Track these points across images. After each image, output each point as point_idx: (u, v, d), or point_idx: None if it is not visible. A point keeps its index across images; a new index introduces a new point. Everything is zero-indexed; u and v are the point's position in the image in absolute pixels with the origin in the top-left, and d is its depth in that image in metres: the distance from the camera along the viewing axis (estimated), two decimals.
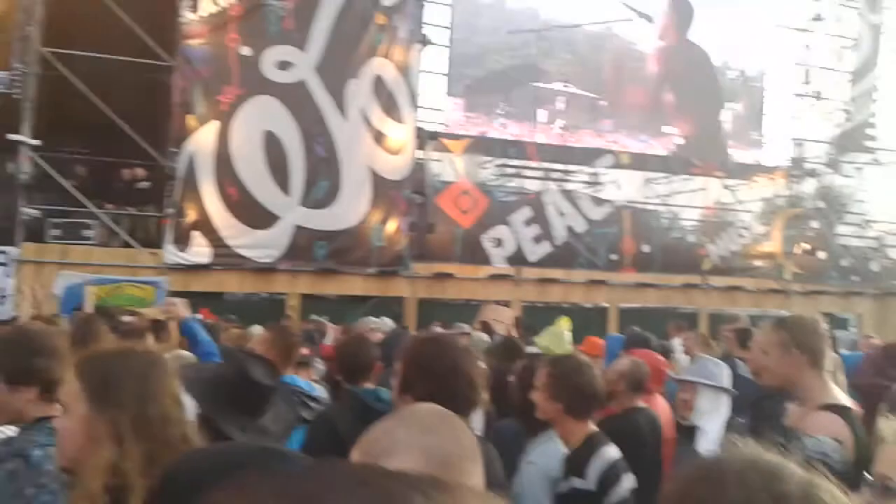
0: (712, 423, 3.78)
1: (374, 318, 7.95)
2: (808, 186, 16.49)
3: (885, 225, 17.05)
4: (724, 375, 4.02)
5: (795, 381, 2.77)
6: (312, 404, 4.09)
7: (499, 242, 13.91)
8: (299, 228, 12.13)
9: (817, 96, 16.45)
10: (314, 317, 9.87)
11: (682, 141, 15.64)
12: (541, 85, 14.55)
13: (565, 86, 14.75)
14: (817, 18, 16.49)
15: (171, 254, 11.48)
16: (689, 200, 16.22)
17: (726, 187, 16.26)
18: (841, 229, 16.55)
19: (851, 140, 16.60)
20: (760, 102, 16.70)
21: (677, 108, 15.68)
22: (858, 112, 16.60)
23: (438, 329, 9.24)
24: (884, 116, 16.80)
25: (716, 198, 16.30)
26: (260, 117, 11.97)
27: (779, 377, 2.82)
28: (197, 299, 10.82)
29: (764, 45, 16.40)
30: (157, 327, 5.50)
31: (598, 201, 15.00)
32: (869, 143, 16.71)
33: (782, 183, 16.48)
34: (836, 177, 16.63)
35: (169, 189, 11.61)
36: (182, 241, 11.57)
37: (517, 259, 13.91)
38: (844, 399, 2.79)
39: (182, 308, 4.40)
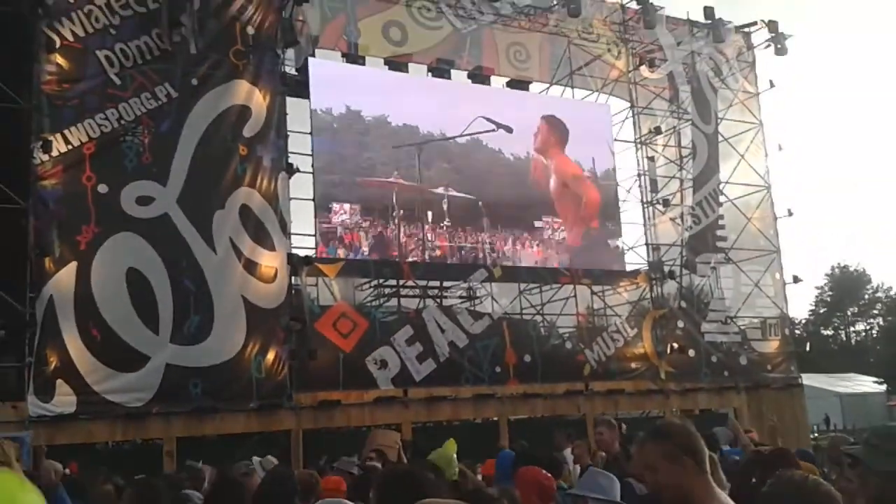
0: None
1: (257, 458, 7.47)
2: (670, 287, 17.29)
3: (747, 320, 18.00)
4: (614, 487, 3.99)
5: (687, 490, 2.65)
6: None
7: (383, 364, 13.69)
8: (171, 367, 11.58)
9: (665, 203, 17.55)
10: (189, 462, 9.25)
11: (553, 233, 16.35)
12: (426, 189, 15.33)
13: (446, 190, 15.39)
14: (657, 132, 17.85)
15: (34, 406, 10.72)
16: (561, 308, 16.70)
17: (595, 293, 16.87)
18: (706, 327, 17.30)
19: (702, 242, 17.68)
20: (617, 211, 17.63)
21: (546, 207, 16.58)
22: (705, 215, 17.79)
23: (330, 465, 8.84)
24: (730, 217, 18.06)
25: (586, 304, 16.85)
26: (121, 254, 11.61)
27: (673, 489, 2.67)
28: (65, 452, 10.07)
29: (609, 158, 17.53)
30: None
31: (477, 315, 15.18)
32: (720, 244, 17.82)
33: (644, 286, 17.24)
34: (693, 277, 17.54)
35: (28, 337, 10.90)
36: (45, 392, 10.85)
37: (403, 380, 13.71)
38: (728, 501, 2.75)
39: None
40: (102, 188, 11.74)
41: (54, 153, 11.47)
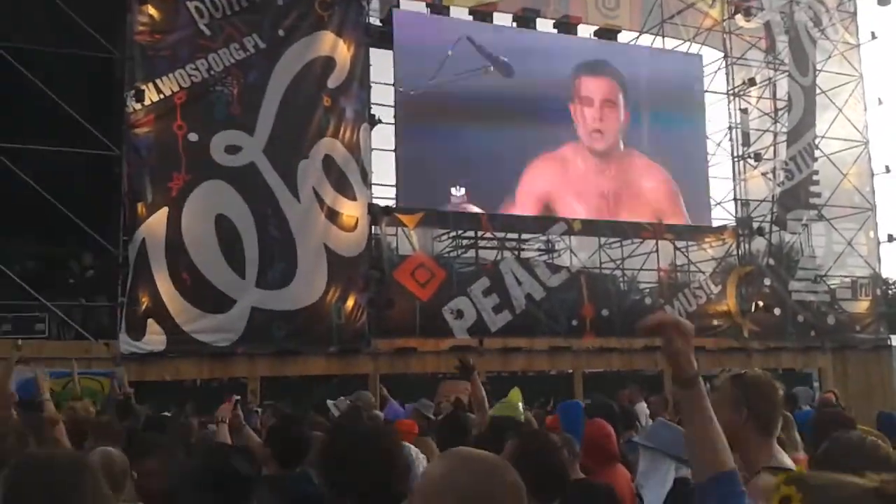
0: (654, 487, 3.65)
1: (330, 401, 7.73)
2: (758, 244, 16.77)
3: (837, 279, 17.36)
4: (671, 438, 3.86)
5: (741, 442, 2.61)
6: None
7: (459, 314, 13.83)
8: (256, 310, 12.01)
9: (757, 157, 16.93)
10: (268, 402, 9.65)
11: None
12: None
13: None
14: (751, 83, 17.14)
15: (125, 343, 11.27)
16: (642, 263, 16.42)
17: (678, 249, 16.51)
18: (794, 285, 16.76)
19: (794, 198, 17.02)
20: (705, 164, 17.09)
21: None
22: (799, 170, 17.10)
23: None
24: (825, 173, 17.32)
25: (669, 259, 16.52)
26: (211, 201, 11.99)
27: (726, 435, 2.74)
28: (153, 388, 10.64)
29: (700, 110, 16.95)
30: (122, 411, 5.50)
31: (555, 268, 15.10)
32: (813, 200, 17.13)
33: (731, 242, 16.78)
34: (783, 234, 16.96)
35: (121, 278, 11.46)
36: (136, 330, 11.38)
37: (479, 329, 13.82)
38: (788, 461, 2.69)
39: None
40: (193, 137, 12.10)
41: (146, 102, 11.83)
